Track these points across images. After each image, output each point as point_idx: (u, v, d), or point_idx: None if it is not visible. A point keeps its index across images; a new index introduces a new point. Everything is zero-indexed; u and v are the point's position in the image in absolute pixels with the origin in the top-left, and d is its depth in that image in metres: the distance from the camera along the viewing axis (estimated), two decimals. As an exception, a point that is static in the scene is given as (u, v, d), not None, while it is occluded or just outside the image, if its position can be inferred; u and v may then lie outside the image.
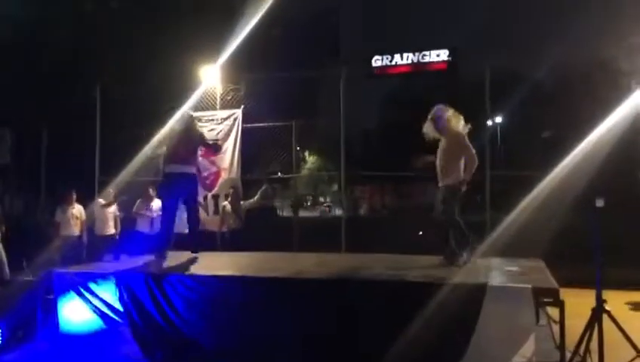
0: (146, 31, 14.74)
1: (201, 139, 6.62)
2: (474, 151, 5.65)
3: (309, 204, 36.95)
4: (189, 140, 6.34)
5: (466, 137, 5.65)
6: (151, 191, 9.36)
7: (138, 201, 9.38)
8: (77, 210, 9.37)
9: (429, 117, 5.81)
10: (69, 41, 14.27)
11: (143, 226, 9.26)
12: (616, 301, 7.18)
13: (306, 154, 27.77)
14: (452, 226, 5.71)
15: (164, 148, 6.54)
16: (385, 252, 6.81)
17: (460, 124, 5.68)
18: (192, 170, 6.34)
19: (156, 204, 9.30)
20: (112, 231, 9.57)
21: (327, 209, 36.01)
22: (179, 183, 6.19)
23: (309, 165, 29.66)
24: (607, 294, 4.23)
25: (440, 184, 5.77)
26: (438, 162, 5.75)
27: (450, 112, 5.71)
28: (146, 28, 14.82)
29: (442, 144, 5.75)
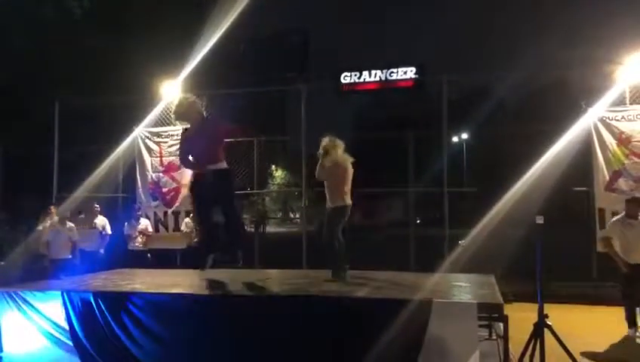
0: (107, 45, 14.56)
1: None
2: None
3: (278, 217, 36.73)
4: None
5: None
6: (96, 206, 9.13)
7: (80, 217, 9.11)
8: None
9: (327, 149, 6.01)
10: (26, 54, 13.98)
11: (85, 244, 8.97)
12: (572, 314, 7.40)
13: (273, 168, 27.71)
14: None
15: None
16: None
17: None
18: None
19: (100, 220, 9.10)
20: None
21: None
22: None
23: (277, 180, 29.59)
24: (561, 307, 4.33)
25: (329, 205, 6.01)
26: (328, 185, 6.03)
27: (339, 142, 6.03)
28: (106, 42, 14.64)
29: (334, 170, 5.96)
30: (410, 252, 10.63)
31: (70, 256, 8.56)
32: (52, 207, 9.20)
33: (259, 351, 4.60)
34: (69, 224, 8.76)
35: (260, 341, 4.61)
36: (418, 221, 11.81)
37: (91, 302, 5.03)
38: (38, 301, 5.19)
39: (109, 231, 9.22)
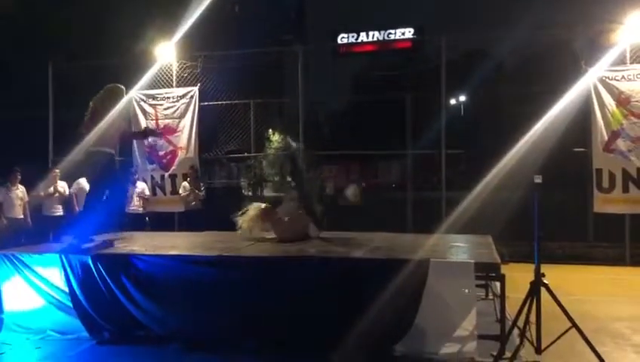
0: (100, 6, 14.25)
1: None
2: None
3: (275, 181, 36.58)
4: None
5: None
6: (56, 171, 9.18)
7: (41, 184, 9.21)
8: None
9: None
10: (19, 16, 13.67)
11: (50, 208, 9.19)
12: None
13: (270, 132, 27.48)
14: None
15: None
16: (344, 230, 6.85)
17: None
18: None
19: (62, 184, 9.18)
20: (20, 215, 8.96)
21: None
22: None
23: (275, 144, 29.36)
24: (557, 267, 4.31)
25: None
26: None
27: None
28: (100, 3, 14.32)
29: None
30: (408, 214, 10.66)
31: (22, 216, 8.89)
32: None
33: (254, 312, 4.64)
34: (20, 186, 8.94)
35: (255, 302, 4.65)
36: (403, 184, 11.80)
37: (90, 265, 5.05)
38: (36, 263, 5.20)
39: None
